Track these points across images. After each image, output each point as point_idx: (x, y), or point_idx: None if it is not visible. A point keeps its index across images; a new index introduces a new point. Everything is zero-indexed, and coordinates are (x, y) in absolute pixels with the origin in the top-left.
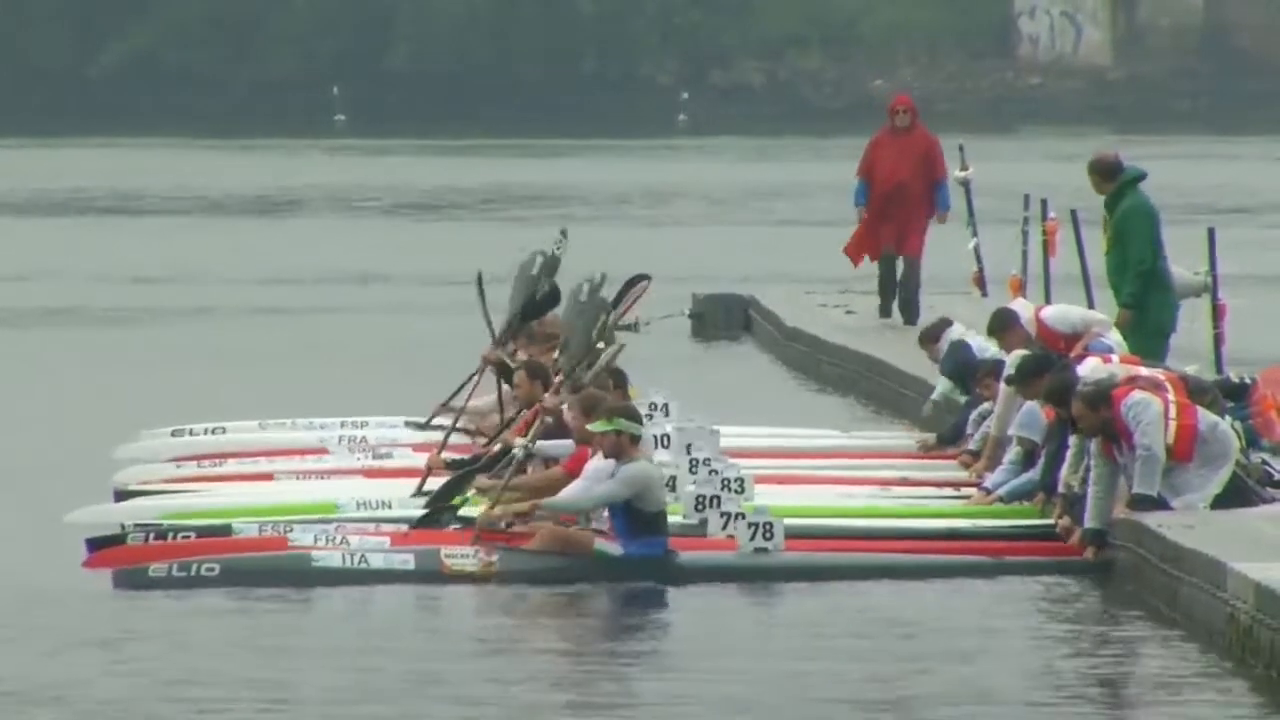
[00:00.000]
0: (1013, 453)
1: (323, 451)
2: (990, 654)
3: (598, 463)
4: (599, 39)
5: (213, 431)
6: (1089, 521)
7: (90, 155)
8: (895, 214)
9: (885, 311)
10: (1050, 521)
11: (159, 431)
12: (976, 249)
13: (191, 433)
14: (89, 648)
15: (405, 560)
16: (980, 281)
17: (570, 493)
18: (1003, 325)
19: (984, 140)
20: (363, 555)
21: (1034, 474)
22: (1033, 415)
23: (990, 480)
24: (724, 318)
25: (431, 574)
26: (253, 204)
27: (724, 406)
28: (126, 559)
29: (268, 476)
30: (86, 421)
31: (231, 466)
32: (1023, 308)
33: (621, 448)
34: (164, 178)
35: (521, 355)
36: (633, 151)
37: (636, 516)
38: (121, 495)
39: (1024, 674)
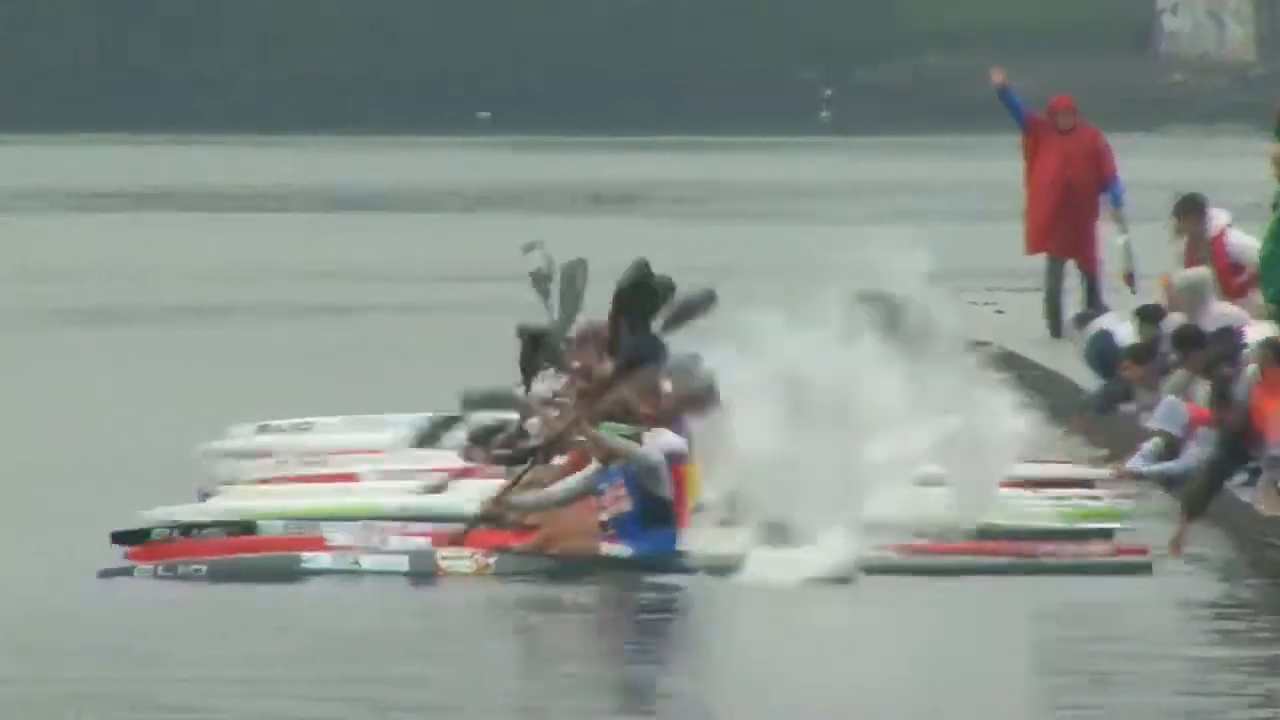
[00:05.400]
0: (1152, 444)
1: (378, 453)
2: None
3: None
4: (742, 34)
5: (298, 428)
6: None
7: (230, 153)
8: (1065, 217)
9: (1056, 331)
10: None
11: (243, 428)
12: (1127, 245)
13: (278, 429)
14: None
15: (398, 562)
16: (1130, 279)
17: (618, 440)
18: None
19: (1125, 136)
20: (355, 558)
21: (1185, 464)
22: (1174, 408)
23: (1130, 463)
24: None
25: (425, 575)
26: (398, 200)
27: None
28: (152, 556)
29: (350, 476)
30: (185, 416)
31: (311, 466)
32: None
33: (614, 455)
34: (307, 175)
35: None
36: (775, 148)
37: (651, 504)
38: (206, 494)
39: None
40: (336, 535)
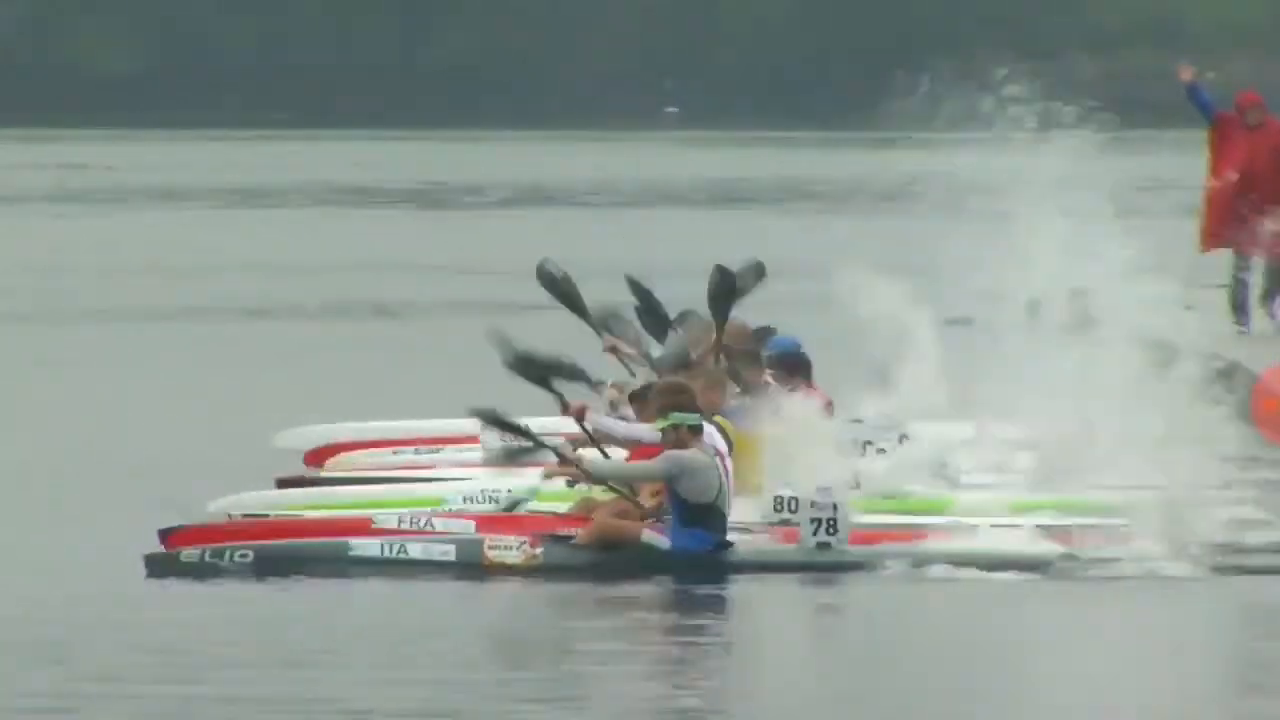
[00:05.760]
0: None
1: (473, 440)
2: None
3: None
4: (923, 31)
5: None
6: None
7: (417, 148)
8: (1245, 211)
9: (1241, 320)
10: None
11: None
12: None
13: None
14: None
15: (445, 551)
16: None
17: (612, 464)
18: None
19: None
20: (401, 545)
21: None
22: None
23: None
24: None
25: (472, 565)
26: (580, 195)
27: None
28: (198, 541)
29: (429, 467)
30: (293, 408)
31: (389, 456)
32: None
33: (682, 441)
34: (497, 170)
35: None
36: (963, 145)
37: (684, 506)
38: (284, 483)
39: None
40: (389, 520)
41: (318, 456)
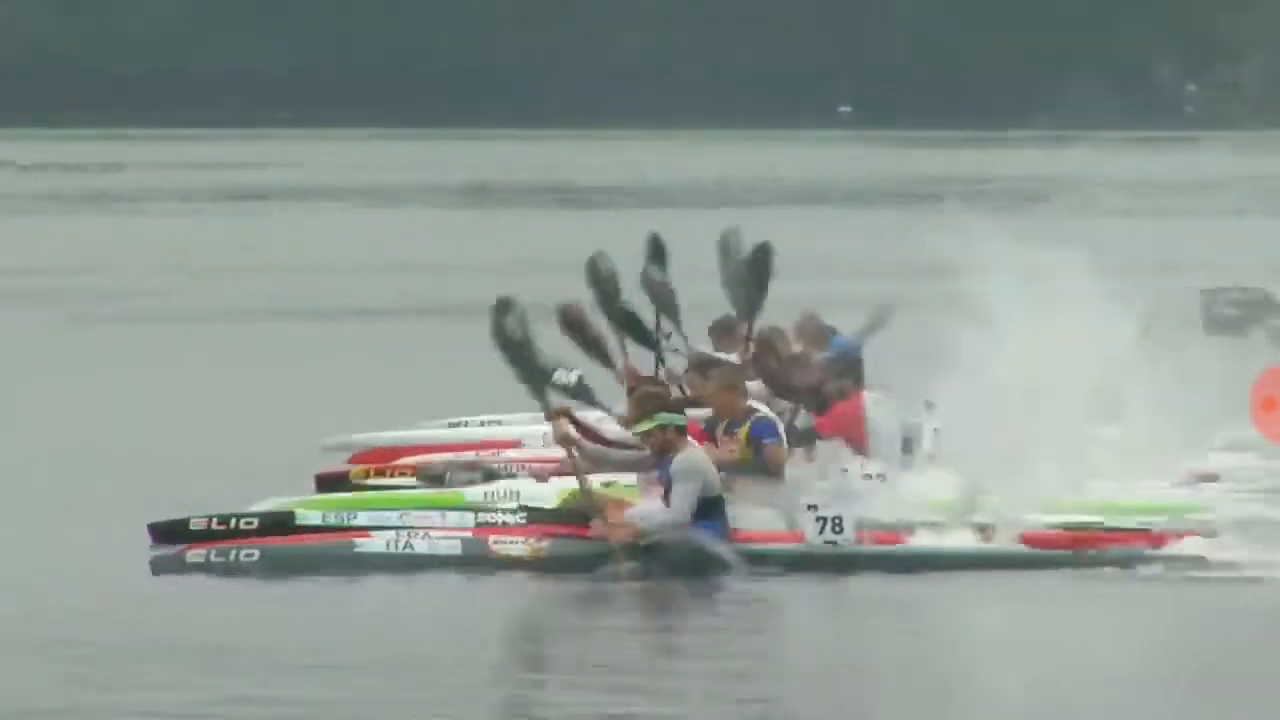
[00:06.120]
0: None
1: (516, 444)
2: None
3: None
4: (1100, 28)
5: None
6: None
7: (571, 148)
8: None
9: None
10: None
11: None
12: None
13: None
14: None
15: (451, 546)
16: None
17: (648, 516)
18: None
19: None
20: (408, 541)
21: None
22: None
23: None
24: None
25: (479, 560)
26: (764, 195)
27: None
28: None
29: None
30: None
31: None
32: None
33: (669, 442)
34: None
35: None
36: (1137, 143)
37: (699, 501)
38: (323, 483)
39: None
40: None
41: (369, 458)
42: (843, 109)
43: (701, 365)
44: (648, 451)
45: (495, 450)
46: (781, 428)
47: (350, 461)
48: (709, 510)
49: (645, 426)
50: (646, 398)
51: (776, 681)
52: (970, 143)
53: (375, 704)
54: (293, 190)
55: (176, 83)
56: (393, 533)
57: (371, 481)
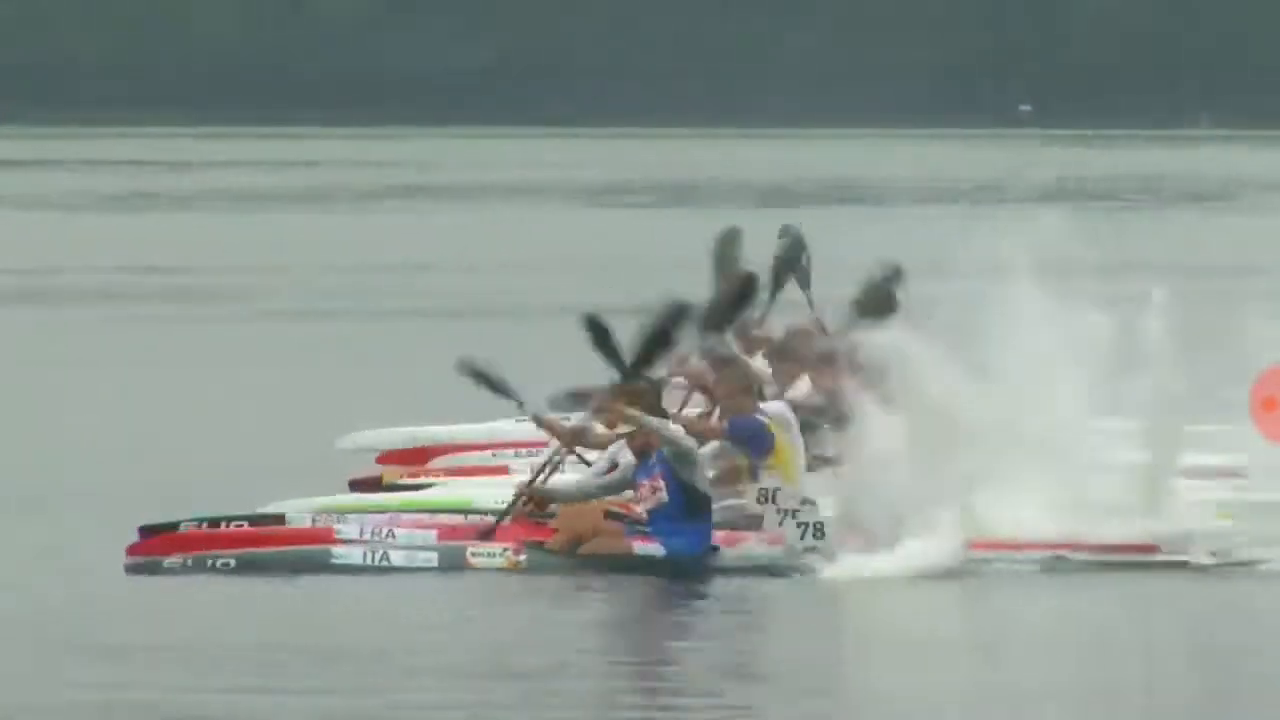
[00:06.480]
0: None
1: (544, 444)
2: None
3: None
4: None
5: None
6: None
7: (723, 146)
8: None
9: None
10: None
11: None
12: None
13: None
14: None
15: (428, 558)
16: None
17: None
18: None
19: None
20: (384, 552)
21: None
22: None
23: None
24: None
25: (455, 572)
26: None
27: None
28: (173, 547)
29: (502, 469)
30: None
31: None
32: None
33: (649, 444)
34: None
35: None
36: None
37: (689, 495)
38: (357, 485)
39: None
40: (349, 529)
41: (396, 458)
42: (1023, 108)
43: (716, 364)
44: (619, 472)
45: (532, 449)
46: (772, 439)
47: (377, 462)
48: (696, 508)
49: (627, 429)
50: (630, 397)
51: (757, 685)
52: (1153, 141)
53: (364, 693)
54: (464, 188)
55: (355, 83)
56: (367, 545)
57: (406, 481)
